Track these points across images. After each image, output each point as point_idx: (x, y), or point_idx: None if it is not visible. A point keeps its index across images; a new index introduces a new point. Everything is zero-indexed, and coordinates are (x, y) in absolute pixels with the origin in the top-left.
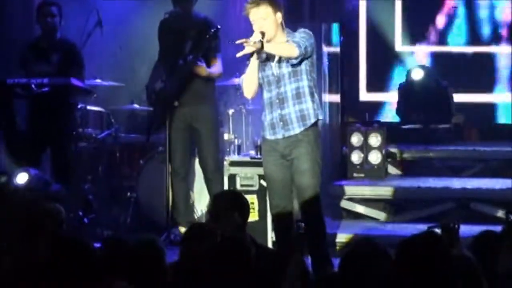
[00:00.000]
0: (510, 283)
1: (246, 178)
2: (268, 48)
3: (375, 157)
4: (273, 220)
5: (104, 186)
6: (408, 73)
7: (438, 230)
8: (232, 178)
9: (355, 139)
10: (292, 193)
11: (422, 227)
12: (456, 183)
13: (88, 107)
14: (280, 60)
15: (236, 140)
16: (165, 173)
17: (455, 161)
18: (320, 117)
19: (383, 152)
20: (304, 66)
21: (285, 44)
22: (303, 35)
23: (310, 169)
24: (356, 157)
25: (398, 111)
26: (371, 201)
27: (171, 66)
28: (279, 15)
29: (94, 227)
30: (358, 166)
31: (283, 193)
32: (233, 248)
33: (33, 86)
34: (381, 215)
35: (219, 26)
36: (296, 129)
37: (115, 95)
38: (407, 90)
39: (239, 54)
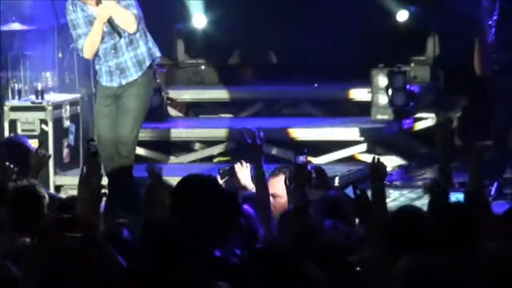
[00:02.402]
0: None
1: (27, 123)
2: (108, 12)
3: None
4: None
5: None
6: None
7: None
8: (13, 123)
9: None
10: None
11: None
12: (234, 122)
13: None
14: None
15: (15, 85)
16: None
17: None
18: (158, 54)
19: (163, 94)
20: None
21: (125, 14)
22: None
23: (136, 110)
24: None
25: None
26: (151, 144)
27: None
28: None
29: None
30: None
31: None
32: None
33: None
34: (162, 157)
35: None
36: (134, 75)
37: None
38: None
39: None
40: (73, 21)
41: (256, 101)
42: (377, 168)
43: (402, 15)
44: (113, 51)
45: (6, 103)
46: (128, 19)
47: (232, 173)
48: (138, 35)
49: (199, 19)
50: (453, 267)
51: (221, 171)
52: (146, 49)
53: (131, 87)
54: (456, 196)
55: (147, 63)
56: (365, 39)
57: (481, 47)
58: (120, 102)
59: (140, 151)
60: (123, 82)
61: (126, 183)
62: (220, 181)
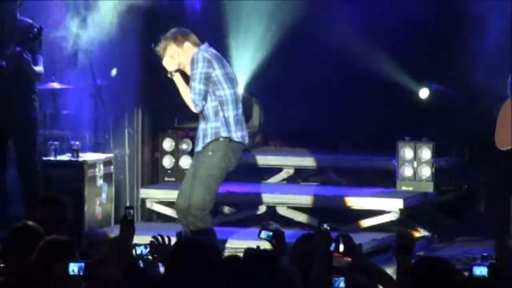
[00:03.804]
0: None
1: (62, 180)
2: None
3: (186, 162)
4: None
5: None
6: None
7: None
8: (49, 179)
9: (167, 144)
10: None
11: (232, 229)
12: (264, 188)
13: None
14: None
15: (53, 143)
16: None
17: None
18: (223, 134)
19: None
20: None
21: (188, 97)
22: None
23: (199, 176)
24: (167, 162)
25: None
26: None
27: None
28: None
29: None
30: (169, 171)
31: None
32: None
33: None
34: None
35: (42, 26)
36: (199, 146)
37: None
38: None
39: None
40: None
41: (283, 168)
42: (404, 240)
43: (424, 93)
44: (201, 117)
45: (44, 159)
46: (188, 101)
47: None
48: (207, 112)
49: None
50: None
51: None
52: (210, 127)
53: (201, 154)
54: (480, 270)
55: (208, 139)
56: (389, 113)
57: (503, 121)
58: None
59: (171, 212)
60: (195, 149)
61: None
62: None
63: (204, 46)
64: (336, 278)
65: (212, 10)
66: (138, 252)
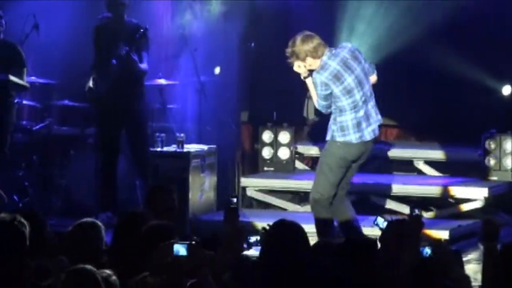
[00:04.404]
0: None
1: (169, 170)
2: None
3: (284, 153)
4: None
5: (37, 173)
6: None
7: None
8: (155, 168)
9: (266, 136)
10: None
11: None
12: (357, 178)
13: (24, 102)
14: None
15: (159, 135)
16: (95, 163)
17: None
18: (338, 139)
19: (291, 149)
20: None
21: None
22: (317, 96)
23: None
24: (266, 153)
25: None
26: (280, 192)
27: (106, 66)
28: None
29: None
30: (268, 161)
31: None
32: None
33: None
34: (288, 205)
35: (147, 26)
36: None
37: (49, 91)
38: None
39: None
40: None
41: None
42: (489, 227)
43: (507, 90)
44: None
45: (151, 150)
46: (315, 100)
47: None
48: (331, 114)
49: None
50: None
51: None
52: (330, 127)
53: (326, 144)
54: None
55: (328, 137)
56: (476, 108)
57: None
58: None
59: (269, 199)
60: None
61: None
62: None
63: (326, 57)
64: (423, 248)
65: (316, 10)
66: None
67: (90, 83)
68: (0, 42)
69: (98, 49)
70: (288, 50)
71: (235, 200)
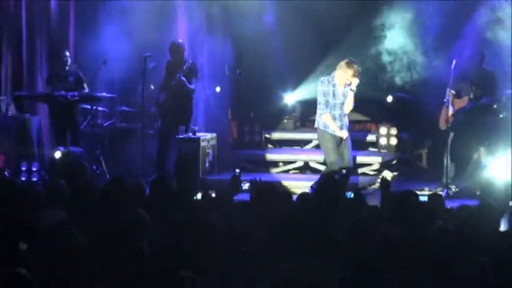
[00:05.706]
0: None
1: (187, 151)
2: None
3: (258, 138)
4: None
5: (108, 152)
6: None
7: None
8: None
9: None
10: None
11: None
12: (303, 151)
13: (99, 108)
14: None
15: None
16: (142, 147)
17: (300, 140)
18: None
19: (264, 134)
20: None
21: (351, 105)
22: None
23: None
24: (247, 138)
25: None
26: (255, 162)
27: (168, 85)
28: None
29: (102, 175)
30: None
31: None
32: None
33: (68, 96)
34: (263, 170)
35: (192, 62)
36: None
37: (113, 101)
38: None
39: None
40: (324, 91)
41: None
42: (384, 181)
43: (389, 98)
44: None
45: (176, 137)
46: (350, 107)
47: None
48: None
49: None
50: None
51: None
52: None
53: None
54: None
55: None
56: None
57: None
58: None
59: (249, 166)
60: None
61: None
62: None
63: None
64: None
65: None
66: (245, 187)
67: (160, 98)
68: (69, 71)
69: (166, 76)
70: (359, 69)
71: (238, 171)
